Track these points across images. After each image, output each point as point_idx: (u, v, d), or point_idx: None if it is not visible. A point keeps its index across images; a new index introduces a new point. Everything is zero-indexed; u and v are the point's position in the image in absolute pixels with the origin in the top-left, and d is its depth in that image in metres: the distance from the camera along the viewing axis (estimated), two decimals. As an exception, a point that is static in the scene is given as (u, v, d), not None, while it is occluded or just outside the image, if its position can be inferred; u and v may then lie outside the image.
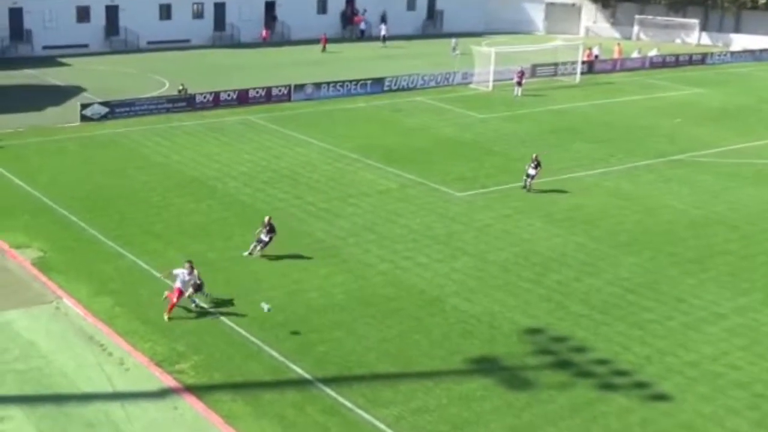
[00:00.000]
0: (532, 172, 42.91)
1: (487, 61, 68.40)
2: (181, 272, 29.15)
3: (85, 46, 78.37)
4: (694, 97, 68.48)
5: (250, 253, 33.91)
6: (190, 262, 29.50)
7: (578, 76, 72.57)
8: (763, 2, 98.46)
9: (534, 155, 43.71)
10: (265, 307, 29.56)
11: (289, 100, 60.78)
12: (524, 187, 42.96)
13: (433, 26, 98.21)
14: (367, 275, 32.68)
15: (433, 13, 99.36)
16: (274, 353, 26.93)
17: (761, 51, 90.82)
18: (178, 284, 29.04)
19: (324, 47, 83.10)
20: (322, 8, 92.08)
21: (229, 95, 58.96)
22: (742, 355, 28.04)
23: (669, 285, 32.74)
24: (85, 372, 25.60)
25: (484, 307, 30.45)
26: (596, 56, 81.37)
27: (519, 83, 65.52)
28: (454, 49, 78.20)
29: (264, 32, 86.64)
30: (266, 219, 34.33)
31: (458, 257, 34.67)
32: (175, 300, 29.01)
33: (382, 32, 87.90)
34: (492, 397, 25.12)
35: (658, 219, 39.89)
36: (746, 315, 30.61)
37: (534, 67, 73.00)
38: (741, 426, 24.08)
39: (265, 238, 33.97)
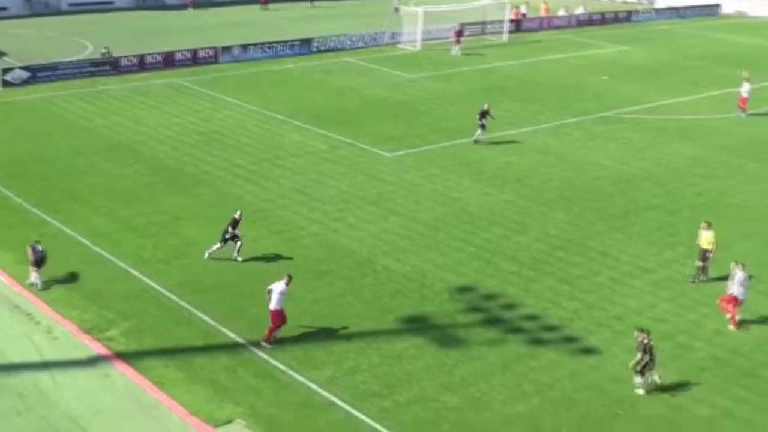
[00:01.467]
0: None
1: (415, 20, 68.25)
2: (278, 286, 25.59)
3: (4, 9, 76.47)
4: (619, 54, 69.16)
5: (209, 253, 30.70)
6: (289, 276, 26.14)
7: (506, 35, 72.77)
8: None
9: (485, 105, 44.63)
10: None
11: (216, 62, 60.05)
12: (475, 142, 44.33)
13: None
14: (298, 237, 32.63)
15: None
16: (206, 318, 26.81)
17: (685, 8, 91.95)
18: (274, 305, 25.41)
19: (266, 3, 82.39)
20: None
21: (154, 58, 58.05)
22: (668, 307, 28.64)
23: (596, 241, 33.23)
24: (13, 342, 25.24)
25: (415, 266, 30.62)
26: (523, 15, 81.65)
27: (457, 41, 65.47)
28: (396, 9, 77.58)
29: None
30: (236, 214, 31.02)
31: (388, 217, 34.76)
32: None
33: None
34: (424, 356, 25.35)
35: (585, 176, 40.37)
36: (671, 268, 31.22)
37: (462, 26, 72.98)
38: (666, 376, 24.61)
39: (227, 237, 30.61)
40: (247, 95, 51.83)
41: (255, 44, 62.25)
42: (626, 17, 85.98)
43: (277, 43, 63.18)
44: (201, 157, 41.00)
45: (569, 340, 26.49)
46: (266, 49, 62.41)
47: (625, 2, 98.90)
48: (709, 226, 30.35)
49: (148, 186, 37.07)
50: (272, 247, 31.63)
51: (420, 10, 68.50)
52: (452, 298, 28.68)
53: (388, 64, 61.68)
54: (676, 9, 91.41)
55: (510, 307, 28.24)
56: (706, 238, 30.13)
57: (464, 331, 26.73)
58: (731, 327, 27.55)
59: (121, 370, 24.09)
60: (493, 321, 27.36)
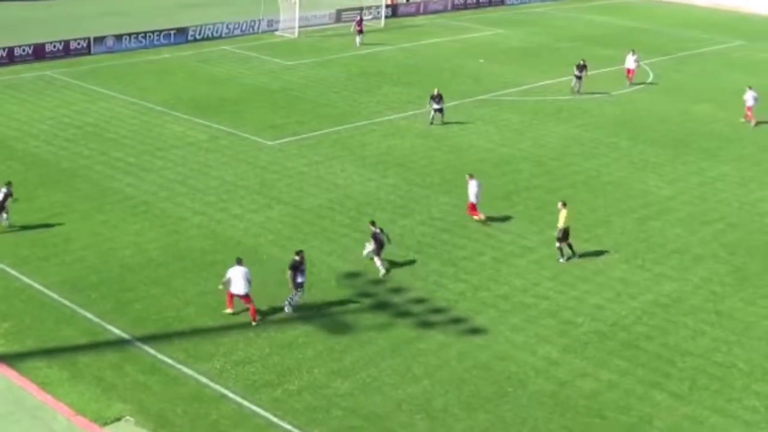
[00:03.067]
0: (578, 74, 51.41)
1: (291, 7, 67.93)
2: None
3: None
4: (495, 37, 70.17)
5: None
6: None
7: (383, 20, 73.06)
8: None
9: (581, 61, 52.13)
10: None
11: (89, 53, 58.66)
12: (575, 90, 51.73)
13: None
14: (182, 229, 32.24)
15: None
16: (89, 315, 26.28)
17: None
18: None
19: None
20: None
21: (24, 50, 56.36)
22: (551, 285, 29.30)
23: (478, 222, 33.68)
24: None
25: (302, 254, 30.56)
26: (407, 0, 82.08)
27: (360, 32, 64.97)
28: None
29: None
30: None
31: (273, 206, 34.62)
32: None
33: None
34: (314, 343, 25.37)
35: (467, 158, 40.90)
36: (552, 247, 31.86)
37: (339, 12, 73.02)
38: (551, 352, 25.22)
39: None
40: (123, 86, 50.82)
41: (129, 34, 61.04)
42: (500, 1, 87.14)
43: (152, 32, 62.08)
44: (77, 151, 40.08)
45: (456, 321, 26.87)
46: (141, 38, 61.28)
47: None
48: (564, 205, 31.04)
49: (23, 182, 35.98)
50: (155, 241, 31.18)
51: (296, -4, 68.19)
52: (340, 284, 28.76)
53: (266, 52, 61.27)
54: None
55: (397, 291, 28.48)
56: (563, 217, 30.79)
57: (353, 317, 26.85)
58: (478, 218, 32.65)
59: (2, 372, 23.43)
60: (381, 306, 27.55)
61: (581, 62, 53.40)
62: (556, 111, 49.21)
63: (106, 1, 79.55)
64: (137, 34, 61.38)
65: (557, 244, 31.06)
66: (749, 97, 47.88)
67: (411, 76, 56.01)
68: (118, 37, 60.44)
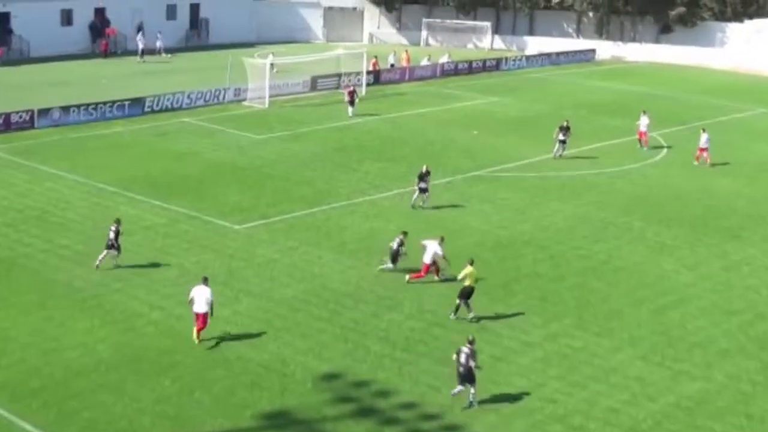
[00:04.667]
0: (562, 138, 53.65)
1: (261, 74, 68.58)
2: None
3: None
4: (490, 106, 70.96)
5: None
6: None
7: (364, 88, 73.76)
8: (557, 1, 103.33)
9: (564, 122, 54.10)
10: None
11: (32, 127, 58.91)
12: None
13: (197, 37, 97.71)
14: (137, 326, 32.02)
15: (197, 22, 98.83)
16: (29, 427, 25.92)
17: (558, 54, 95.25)
18: None
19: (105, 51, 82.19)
20: (67, 19, 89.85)
21: (-42, 124, 56.66)
22: (558, 386, 29.15)
23: (476, 314, 33.60)
24: None
25: (273, 353, 30.39)
26: (392, 65, 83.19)
27: (351, 102, 65.34)
28: (272, 66, 77.49)
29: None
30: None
31: (240, 299, 34.49)
32: None
33: (140, 45, 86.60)
34: (288, 456, 25.07)
35: (460, 242, 40.94)
36: (558, 342, 31.84)
37: (314, 79, 73.78)
38: (561, 464, 24.98)
39: None
40: (70, 164, 50.93)
41: (78, 105, 61.39)
42: (495, 65, 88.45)
43: (104, 103, 62.47)
44: (17, 238, 39.97)
45: (451, 429, 26.63)
46: (91, 110, 61.63)
47: (493, 49, 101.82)
48: (471, 264, 33.28)
49: (-45, 274, 35.90)
50: (106, 339, 30.94)
51: (267, 62, 68.94)
52: (317, 387, 28.53)
53: (232, 124, 61.67)
54: (548, 55, 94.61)
55: (384, 394, 28.27)
56: (466, 274, 32.90)
57: (332, 425, 26.58)
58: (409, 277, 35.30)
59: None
60: (365, 412, 27.30)
61: (565, 124, 54.95)
62: (560, 188, 49.53)
63: (51, 69, 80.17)
64: (87, 105, 61.75)
65: (458, 301, 32.96)
66: (703, 139, 54.87)
67: (396, 150, 56.40)
68: (65, 109, 60.78)
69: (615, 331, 32.99)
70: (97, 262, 36.58)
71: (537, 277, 37.49)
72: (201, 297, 30.62)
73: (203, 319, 30.62)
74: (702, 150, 55.03)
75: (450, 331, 32.38)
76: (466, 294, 33.16)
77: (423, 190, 45.31)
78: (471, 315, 33.11)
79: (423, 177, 45.23)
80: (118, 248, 36.77)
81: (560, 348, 31.45)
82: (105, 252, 36.65)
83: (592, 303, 35.10)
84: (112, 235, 36.61)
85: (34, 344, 30.46)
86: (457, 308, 33.27)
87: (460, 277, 33.33)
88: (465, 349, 27.64)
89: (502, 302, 34.94)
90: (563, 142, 54.84)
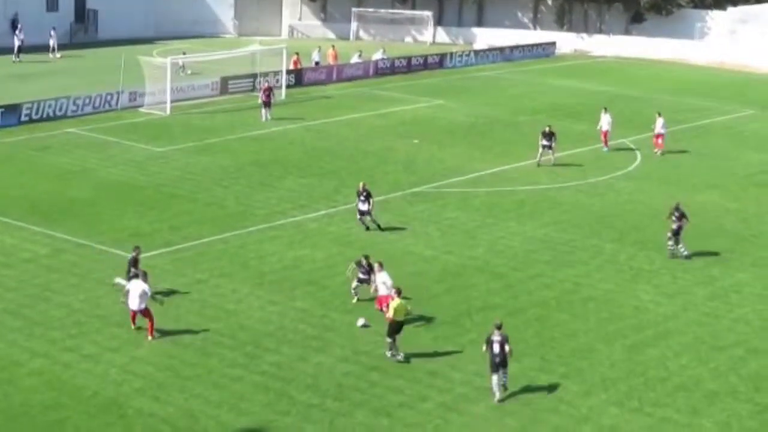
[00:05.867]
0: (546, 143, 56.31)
1: (161, 76, 68.32)
2: None
3: None
4: (433, 110, 71.29)
5: None
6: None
7: (284, 90, 73.79)
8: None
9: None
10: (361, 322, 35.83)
11: None
12: None
13: (84, 32, 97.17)
14: (15, 378, 31.65)
15: (83, 15, 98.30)
16: None
17: (511, 48, 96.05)
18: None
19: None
20: None
21: None
22: (519, 438, 29.28)
23: (420, 356, 33.65)
24: None
25: (180, 406, 30.18)
26: (316, 63, 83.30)
27: (267, 104, 65.86)
28: (182, 68, 77.29)
29: None
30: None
31: (140, 342, 34.25)
32: None
33: (16, 42, 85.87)
34: None
35: (400, 271, 40.91)
36: (518, 386, 31.89)
37: (224, 80, 73.67)
38: None
39: None
40: (-68, 185, 50.39)
41: (-59, 115, 60.78)
42: (438, 63, 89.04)
43: (-28, 111, 61.90)
44: None
45: (394, 491, 26.63)
46: (-44, 120, 61.02)
47: (436, 44, 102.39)
48: (399, 293, 33.75)
49: None
50: (-22, 394, 30.58)
51: (167, 61, 68.68)
52: (234, 446, 28.43)
53: (128, 135, 61.36)
54: (500, 50, 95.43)
55: (312, 453, 28.25)
56: (394, 308, 33.09)
57: (253, 490, 26.49)
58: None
59: None
60: (290, 474, 27.23)
61: (547, 129, 56.49)
62: (517, 205, 49.85)
63: None
64: (-49, 114, 61.12)
65: (387, 339, 33.22)
66: (659, 124, 59.34)
67: (323, 163, 56.45)
68: (-74, 119, 60.14)
69: (585, 373, 33.16)
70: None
71: (492, 310, 37.63)
72: (134, 292, 34.12)
73: (145, 313, 34.09)
74: (658, 136, 60.11)
75: (390, 376, 32.36)
76: (394, 330, 33.25)
77: (364, 213, 45.26)
78: (398, 356, 33.26)
79: (362, 196, 45.17)
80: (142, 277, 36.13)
81: (520, 394, 31.54)
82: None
83: (556, 339, 35.28)
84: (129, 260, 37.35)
85: None
86: (392, 345, 33.42)
87: (388, 314, 33.28)
88: (496, 337, 30.81)
89: (451, 341, 34.99)
90: (547, 147, 56.42)
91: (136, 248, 37.82)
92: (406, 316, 33.52)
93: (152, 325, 34.23)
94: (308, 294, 38.46)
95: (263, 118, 65.30)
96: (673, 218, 43.29)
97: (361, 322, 35.97)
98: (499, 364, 30.72)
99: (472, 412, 30.53)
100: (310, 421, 29.65)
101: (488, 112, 70.45)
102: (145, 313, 34.05)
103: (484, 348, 31.22)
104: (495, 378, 30.81)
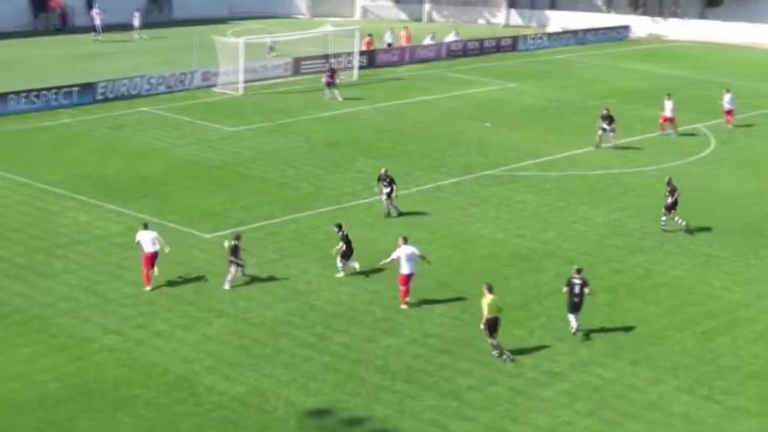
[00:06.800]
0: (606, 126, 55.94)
1: (235, 55, 68.60)
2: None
3: None
4: (505, 93, 71.02)
5: None
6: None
7: (356, 72, 73.88)
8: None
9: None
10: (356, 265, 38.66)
11: (-37, 118, 59.08)
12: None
13: (158, 11, 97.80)
14: (88, 353, 32.03)
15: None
16: (-38, 472, 25.96)
17: (585, 32, 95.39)
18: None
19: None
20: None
21: None
22: (587, 423, 29.17)
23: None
24: None
25: (250, 385, 30.40)
26: (389, 44, 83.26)
27: (331, 84, 66.34)
28: (271, 48, 77.65)
29: None
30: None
31: (212, 321, 34.50)
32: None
33: (96, 21, 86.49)
34: (268, 507, 25.11)
35: (471, 254, 40.98)
36: (589, 371, 31.83)
37: (297, 61, 73.84)
38: None
39: None
40: (8, 162, 50.98)
41: (17, 92, 61.45)
42: (511, 45, 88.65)
43: (48, 90, 62.56)
44: (-53, 248, 40.08)
45: (462, 474, 26.67)
46: (33, 98, 61.68)
47: (509, 26, 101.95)
48: (490, 290, 32.61)
49: None
50: (52, 369, 30.94)
51: (241, 41, 68.93)
52: (302, 426, 28.56)
53: (201, 115, 61.72)
54: (574, 33, 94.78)
55: (381, 434, 28.34)
56: (487, 304, 32.40)
57: (321, 470, 26.64)
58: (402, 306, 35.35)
59: None
60: (359, 454, 27.36)
61: (605, 112, 56.61)
62: (589, 190, 49.56)
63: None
64: (27, 92, 61.83)
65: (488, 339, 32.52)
66: (726, 99, 61.63)
67: (394, 145, 56.47)
68: (2, 97, 60.87)
69: (655, 359, 32.98)
70: (227, 285, 37.16)
71: (562, 295, 37.48)
72: (147, 240, 36.87)
73: (152, 258, 36.71)
74: (728, 112, 61.82)
75: (459, 359, 32.37)
76: (492, 329, 32.37)
77: (607, 131, 47.65)
78: (508, 357, 32.39)
79: (384, 180, 45.16)
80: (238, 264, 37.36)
81: (590, 379, 31.44)
82: (234, 270, 37.33)
83: (627, 325, 35.11)
84: (229, 245, 37.48)
85: (-34, 375, 30.50)
86: (497, 345, 32.54)
87: (485, 312, 32.31)
88: (576, 280, 33.64)
89: (521, 325, 34.94)
90: (605, 130, 56.27)
91: (237, 236, 37.83)
92: (500, 313, 32.69)
93: (148, 272, 36.78)
94: (378, 276, 38.52)
95: (326, 97, 65.63)
96: (666, 193, 44.06)
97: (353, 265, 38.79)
98: (578, 304, 33.72)
99: (542, 396, 30.48)
100: (379, 403, 29.74)
101: (561, 96, 70.06)
102: (153, 256, 36.79)
103: (564, 289, 34.07)
104: (572, 317, 33.94)
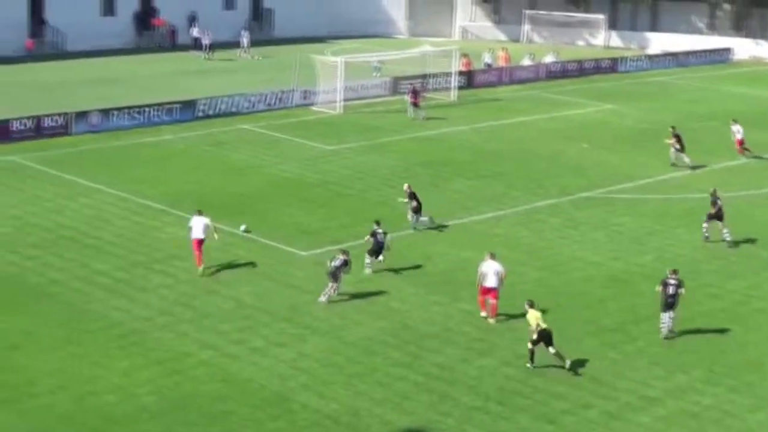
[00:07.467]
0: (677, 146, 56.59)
1: (334, 74, 68.94)
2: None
3: None
4: (604, 114, 70.54)
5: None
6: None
7: (454, 92, 73.88)
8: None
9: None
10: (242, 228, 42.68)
11: (67, 133, 59.88)
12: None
13: (260, 29, 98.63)
14: (184, 368, 32.28)
15: (259, 13, 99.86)
16: (59, 482, 26.26)
17: (686, 54, 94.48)
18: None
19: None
20: (109, 8, 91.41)
21: (-17, 129, 57.78)
22: (683, 450, 28.82)
23: (584, 362, 33.36)
24: None
25: (344, 403, 30.42)
26: (488, 65, 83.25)
27: (415, 104, 66.68)
28: (378, 69, 78.07)
29: (28, 41, 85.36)
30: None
31: (306, 338, 34.60)
32: None
33: (205, 40, 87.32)
34: None
35: (566, 277, 40.70)
36: (685, 398, 31.41)
37: (395, 81, 74.04)
38: None
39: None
40: (110, 177, 51.64)
41: (120, 108, 62.32)
42: (611, 67, 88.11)
43: (150, 106, 63.33)
44: (48, 261, 40.59)
45: (555, 498, 26.44)
46: (135, 114, 62.51)
47: (609, 47, 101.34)
48: (532, 306, 33.19)
49: (-24, 302, 36.55)
50: (149, 383, 31.22)
51: (340, 60, 69.27)
52: (395, 445, 28.53)
53: (299, 133, 62.08)
54: (674, 55, 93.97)
55: (474, 455, 28.21)
56: (534, 318, 32.74)
57: (413, 490, 26.57)
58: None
59: None
60: (451, 475, 27.25)
61: (672, 130, 57.40)
62: (687, 213, 49.02)
63: (90, 66, 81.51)
64: (130, 108, 62.66)
65: (530, 346, 32.69)
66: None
67: (491, 165, 56.34)
68: (106, 113, 61.70)
69: (754, 387, 32.45)
70: (324, 297, 37.46)
71: (659, 319, 37.07)
72: (198, 225, 39.47)
73: (200, 243, 39.38)
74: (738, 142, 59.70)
75: (552, 382, 32.13)
76: (545, 338, 32.66)
77: (416, 211, 45.35)
78: (567, 362, 32.88)
79: (409, 197, 45.38)
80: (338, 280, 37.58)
81: (687, 405, 31.02)
82: (332, 285, 37.47)
83: (725, 351, 34.60)
84: (336, 263, 37.37)
85: (65, 387, 30.82)
86: (532, 355, 32.89)
87: (532, 327, 32.77)
88: (672, 281, 34.81)
89: (617, 348, 34.59)
90: (677, 149, 56.54)
91: (344, 252, 37.93)
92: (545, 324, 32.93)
93: (200, 256, 39.57)
94: (473, 296, 38.38)
95: (409, 115, 66.06)
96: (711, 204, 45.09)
97: (242, 227, 43.63)
98: (671, 304, 34.64)
99: (637, 422, 30.13)
100: (472, 424, 29.60)
101: (660, 118, 69.35)
102: (199, 243, 39.49)
103: (659, 288, 35.07)
104: (665, 316, 34.83)
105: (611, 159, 58.57)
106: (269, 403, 30.28)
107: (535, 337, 32.48)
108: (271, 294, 38.09)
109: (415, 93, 67.31)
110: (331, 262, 37.45)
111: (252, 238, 43.53)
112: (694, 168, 56.07)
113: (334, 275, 37.09)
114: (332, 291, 37.16)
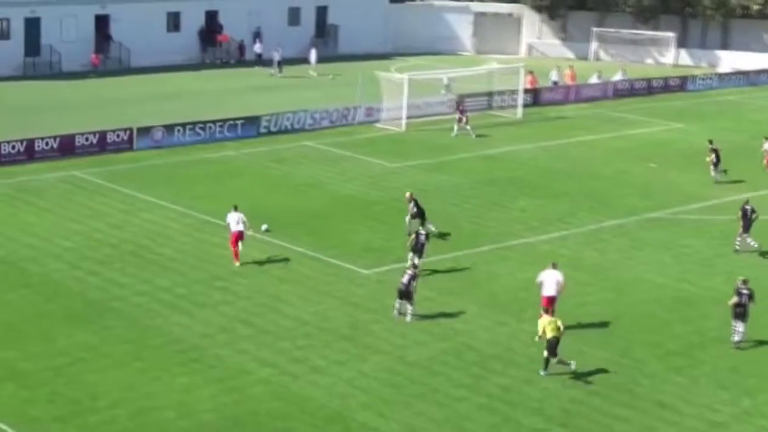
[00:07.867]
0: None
1: (398, 91, 69.06)
2: None
3: None
4: (672, 133, 70.13)
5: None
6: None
7: (520, 110, 73.79)
8: (756, 8, 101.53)
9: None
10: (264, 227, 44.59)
11: (131, 148, 60.45)
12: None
13: (324, 46, 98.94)
14: (244, 385, 32.43)
15: (324, 30, 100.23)
16: (118, 498, 26.46)
17: (758, 72, 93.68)
18: None
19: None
20: (174, 24, 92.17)
21: (47, 143, 58.32)
22: (750, 477, 28.56)
23: (649, 385, 33.19)
24: None
25: (404, 423, 30.43)
26: (554, 83, 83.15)
27: (460, 120, 66.84)
28: (447, 87, 78.05)
29: (94, 57, 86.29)
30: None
31: (367, 357, 34.65)
32: None
33: (276, 57, 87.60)
34: None
35: (632, 298, 40.48)
36: (752, 422, 31.15)
37: (461, 98, 74.02)
38: None
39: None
40: (173, 193, 52.04)
41: (183, 124, 62.76)
42: (680, 85, 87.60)
43: (213, 122, 63.76)
44: (111, 277, 40.95)
45: None
46: (198, 130, 62.94)
47: (678, 66, 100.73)
48: (547, 311, 34.64)
49: (38, 317, 36.86)
50: (208, 400, 31.40)
51: (405, 77, 69.40)
52: (456, 466, 28.50)
53: (363, 150, 62.22)
54: (746, 74, 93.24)
55: (536, 478, 28.12)
56: (543, 325, 33.77)
57: None
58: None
59: None
60: (512, 498, 27.17)
61: (709, 145, 58.15)
62: (757, 235, 48.52)
63: (153, 81, 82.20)
64: (193, 124, 63.09)
65: (545, 354, 33.58)
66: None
67: (557, 185, 56.18)
68: (169, 128, 62.19)
69: (822, 413, 32.15)
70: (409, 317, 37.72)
71: (727, 342, 36.78)
72: (234, 220, 42.33)
73: (237, 237, 42.12)
74: None
75: (617, 405, 31.97)
76: (552, 347, 33.52)
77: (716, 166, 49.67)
78: (571, 365, 33.79)
79: (415, 214, 45.84)
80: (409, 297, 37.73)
81: (753, 430, 30.76)
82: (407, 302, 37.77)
83: (794, 377, 34.32)
84: (405, 279, 37.62)
85: (126, 401, 31.08)
86: (547, 363, 33.63)
87: (539, 334, 33.84)
88: (744, 291, 35.88)
89: (683, 372, 34.35)
90: (713, 164, 57.47)
91: (414, 266, 38.79)
92: (560, 333, 33.43)
93: (236, 250, 42.53)
94: (536, 318, 38.21)
95: (454, 133, 66.40)
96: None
97: (264, 227, 45.34)
98: (743, 313, 35.79)
99: (702, 447, 29.96)
100: (534, 446, 29.55)
101: (729, 138, 68.78)
102: (237, 237, 42.44)
103: (734, 299, 35.99)
104: (738, 323, 35.87)
105: (679, 179, 58.20)
106: (329, 422, 30.35)
107: (548, 346, 33.50)
108: (332, 312, 38.18)
109: (461, 111, 67.25)
110: (402, 278, 37.69)
111: (314, 256, 43.65)
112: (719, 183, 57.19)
113: (408, 293, 37.33)
114: (411, 309, 37.48)
